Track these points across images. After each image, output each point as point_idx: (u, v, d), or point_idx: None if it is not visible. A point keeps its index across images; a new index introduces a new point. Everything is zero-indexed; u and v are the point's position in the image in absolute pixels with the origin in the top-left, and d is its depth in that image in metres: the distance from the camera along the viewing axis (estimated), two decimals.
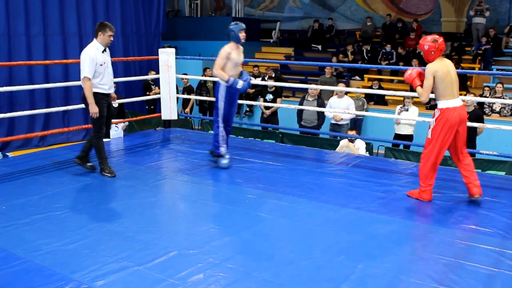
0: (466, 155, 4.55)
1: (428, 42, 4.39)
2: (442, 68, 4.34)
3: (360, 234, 3.78)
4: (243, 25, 5.31)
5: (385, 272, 3.20)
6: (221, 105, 5.36)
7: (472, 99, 6.83)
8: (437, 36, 4.41)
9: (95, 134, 5.11)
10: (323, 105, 8.33)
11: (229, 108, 5.41)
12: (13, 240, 3.54)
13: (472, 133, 6.94)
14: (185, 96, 9.71)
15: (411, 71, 4.62)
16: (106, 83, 5.07)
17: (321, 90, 8.53)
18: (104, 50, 5.10)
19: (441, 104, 4.37)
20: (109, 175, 5.09)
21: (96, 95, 4.99)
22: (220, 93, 5.35)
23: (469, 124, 6.30)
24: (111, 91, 5.21)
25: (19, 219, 3.90)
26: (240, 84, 5.24)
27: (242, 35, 5.29)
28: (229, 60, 5.25)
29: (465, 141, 4.52)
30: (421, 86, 4.45)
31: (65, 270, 3.12)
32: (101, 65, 5.00)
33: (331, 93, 10.51)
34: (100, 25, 5.09)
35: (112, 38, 5.12)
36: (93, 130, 5.14)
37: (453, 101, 4.36)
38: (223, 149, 5.44)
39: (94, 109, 4.95)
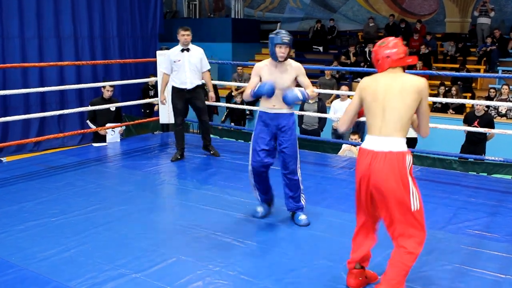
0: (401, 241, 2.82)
1: (375, 47, 2.95)
2: (375, 86, 2.85)
3: None
4: (285, 37, 3.84)
5: None
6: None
7: (479, 102, 6.73)
8: (392, 38, 2.95)
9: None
10: (324, 108, 8.27)
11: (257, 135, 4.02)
12: (8, 247, 3.48)
13: (482, 137, 6.87)
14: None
15: None
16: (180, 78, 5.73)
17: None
18: (184, 49, 5.73)
19: (364, 141, 2.93)
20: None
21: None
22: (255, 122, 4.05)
23: (477, 129, 6.31)
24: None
25: (14, 226, 3.84)
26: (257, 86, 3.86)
27: (278, 50, 3.83)
28: (261, 80, 3.96)
29: (398, 219, 2.79)
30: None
31: (61, 278, 3.07)
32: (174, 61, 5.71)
33: (330, 95, 10.47)
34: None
35: (184, 37, 5.68)
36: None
37: (373, 140, 2.81)
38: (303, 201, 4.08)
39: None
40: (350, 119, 3.06)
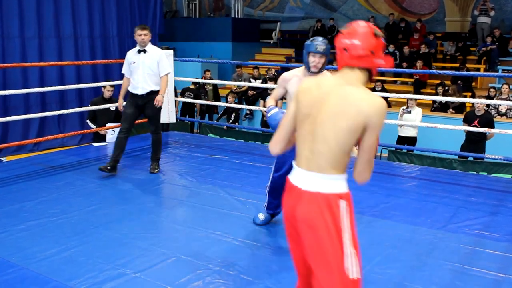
0: None
1: (338, 34, 2.08)
2: (314, 93, 2.00)
3: (362, 239, 3.70)
4: (320, 45, 3.43)
5: (389, 278, 3.14)
6: None
7: (479, 101, 6.70)
8: (363, 24, 2.01)
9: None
10: None
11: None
12: (8, 247, 3.48)
13: (481, 137, 6.87)
14: (185, 99, 9.62)
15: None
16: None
17: None
18: (140, 51, 5.23)
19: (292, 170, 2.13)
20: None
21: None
22: None
23: (476, 129, 6.28)
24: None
25: (14, 226, 3.84)
26: (270, 112, 3.31)
27: (311, 59, 3.45)
28: (287, 93, 3.63)
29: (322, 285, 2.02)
30: None
31: (61, 278, 3.07)
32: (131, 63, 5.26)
33: None
34: None
35: (141, 37, 5.19)
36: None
37: (300, 174, 2.03)
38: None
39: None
40: (285, 136, 2.14)
